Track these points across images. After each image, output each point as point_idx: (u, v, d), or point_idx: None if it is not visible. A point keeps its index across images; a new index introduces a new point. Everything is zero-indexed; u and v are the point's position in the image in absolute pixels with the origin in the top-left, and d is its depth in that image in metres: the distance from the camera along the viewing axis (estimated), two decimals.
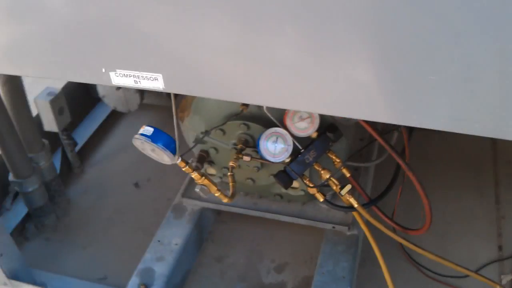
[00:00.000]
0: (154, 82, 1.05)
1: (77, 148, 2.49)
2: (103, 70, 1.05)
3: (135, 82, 1.06)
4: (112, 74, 1.06)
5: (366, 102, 0.94)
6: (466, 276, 1.87)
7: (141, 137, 1.24)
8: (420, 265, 1.96)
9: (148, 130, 1.24)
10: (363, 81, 0.91)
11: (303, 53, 0.92)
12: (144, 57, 1.03)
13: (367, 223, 1.58)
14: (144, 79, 1.05)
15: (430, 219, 1.41)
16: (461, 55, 0.80)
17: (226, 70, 1.01)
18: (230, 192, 1.48)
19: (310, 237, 2.07)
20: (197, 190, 1.43)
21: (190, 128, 1.70)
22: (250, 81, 1.01)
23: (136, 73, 1.05)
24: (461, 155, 2.42)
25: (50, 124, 2.21)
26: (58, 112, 2.18)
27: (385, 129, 1.69)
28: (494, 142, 2.47)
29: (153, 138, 1.23)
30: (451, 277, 1.90)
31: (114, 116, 2.80)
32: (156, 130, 1.25)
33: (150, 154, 1.30)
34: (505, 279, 1.90)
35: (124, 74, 1.06)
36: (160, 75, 1.04)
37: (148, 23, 0.97)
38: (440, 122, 0.89)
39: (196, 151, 1.71)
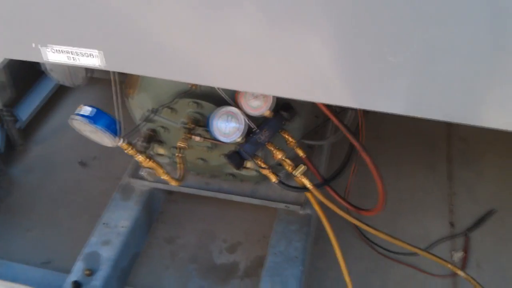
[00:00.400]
0: (92, 59, 0.96)
1: (21, 124, 2.36)
2: (33, 45, 0.96)
3: (69, 58, 0.97)
4: (44, 49, 0.97)
5: (323, 85, 0.89)
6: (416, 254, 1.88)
7: (79, 118, 1.15)
8: (373, 242, 1.95)
9: (86, 110, 1.15)
10: (320, 63, 0.85)
11: (258, 31, 0.86)
12: (81, 31, 0.94)
13: (321, 203, 1.55)
14: (80, 55, 0.96)
15: (383, 201, 1.39)
16: (422, 36, 0.76)
17: (174, 47, 0.93)
18: (178, 174, 1.42)
19: (263, 216, 2.03)
20: (142, 173, 1.35)
21: (137, 106, 1.61)
22: (200, 61, 0.94)
23: (71, 48, 0.96)
24: (415, 131, 2.42)
25: None
26: None
27: (341, 108, 1.65)
28: None
29: (92, 119, 1.15)
30: (403, 254, 1.90)
31: (62, 91, 2.66)
32: (96, 110, 1.16)
33: (89, 136, 1.22)
34: (456, 256, 1.92)
35: (57, 50, 0.96)
36: (99, 51, 0.95)
37: None
38: (399, 106, 0.85)
39: (143, 129, 1.63)
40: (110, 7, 0.88)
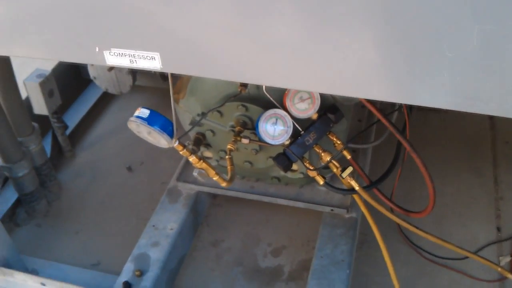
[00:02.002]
0: (152, 62, 1.00)
1: (68, 131, 2.43)
2: (97, 49, 1.00)
3: (131, 61, 1.01)
4: (106, 53, 1.01)
5: (374, 80, 0.89)
6: (465, 258, 1.86)
7: (137, 120, 1.19)
8: (419, 247, 1.94)
9: (144, 112, 1.19)
10: (372, 59, 0.86)
11: (304, 29, 0.88)
12: (141, 35, 0.97)
13: (368, 206, 1.55)
14: (141, 58, 1.00)
15: (433, 202, 1.38)
16: (481, 31, 0.76)
17: (225, 48, 0.96)
18: (228, 176, 1.44)
19: (306, 220, 2.04)
20: (195, 174, 1.39)
21: (185, 110, 1.65)
22: (249, 60, 0.97)
23: (132, 52, 1.00)
24: (460, 135, 2.40)
25: (40, 107, 2.15)
26: (48, 94, 2.12)
27: (384, 109, 1.66)
28: (493, 122, 2.45)
29: (149, 120, 1.18)
30: (450, 259, 1.88)
31: (106, 98, 2.73)
32: (152, 112, 1.20)
33: (146, 137, 1.26)
34: (503, 261, 1.88)
35: (119, 54, 1.00)
36: (158, 54, 0.99)
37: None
38: (455, 102, 0.85)
39: (192, 133, 1.66)
40: (166, 12, 0.92)
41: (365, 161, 2.01)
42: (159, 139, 1.22)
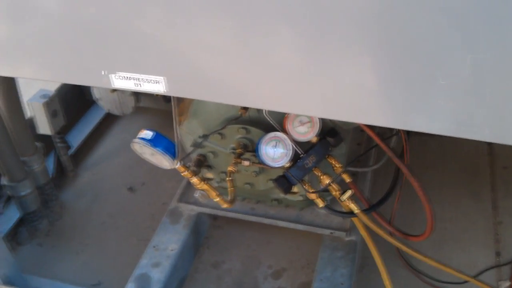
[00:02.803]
0: (156, 85, 1.03)
1: (71, 151, 2.46)
2: (103, 73, 1.03)
3: (136, 85, 1.04)
4: (112, 76, 1.04)
5: (371, 106, 0.92)
6: (465, 282, 1.86)
7: (140, 141, 1.21)
8: (418, 272, 1.94)
9: (147, 134, 1.21)
10: (369, 85, 0.89)
11: (304, 56, 0.91)
12: (146, 59, 1.01)
13: (367, 229, 1.57)
14: (146, 82, 1.03)
15: (432, 226, 1.40)
16: (474, 60, 0.79)
17: (227, 73, 0.99)
18: (229, 197, 1.46)
19: (307, 242, 2.05)
20: (196, 195, 1.41)
21: (188, 132, 1.68)
22: (251, 84, 1.00)
23: (138, 75, 1.03)
24: (458, 160, 2.42)
25: (43, 127, 2.17)
26: (51, 114, 2.15)
27: (382, 134, 1.68)
28: (490, 147, 2.47)
29: (153, 142, 1.21)
30: (450, 283, 1.88)
31: (109, 119, 2.76)
32: (156, 134, 1.22)
33: (148, 159, 1.28)
34: (503, 286, 1.89)
35: (124, 77, 1.03)
36: (162, 78, 1.02)
37: (149, 25, 0.95)
38: (449, 128, 0.88)
39: (193, 155, 1.69)
40: (171, 38, 0.95)
41: (365, 184, 2.03)
42: (162, 161, 1.25)
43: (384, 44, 0.84)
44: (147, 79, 1.02)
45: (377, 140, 1.33)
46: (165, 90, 1.03)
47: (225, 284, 1.94)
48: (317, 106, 1.00)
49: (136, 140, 1.23)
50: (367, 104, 0.93)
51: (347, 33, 0.85)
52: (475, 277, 1.89)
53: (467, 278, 1.65)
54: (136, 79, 1.03)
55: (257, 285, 1.94)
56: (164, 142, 1.22)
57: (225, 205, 1.44)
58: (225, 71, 0.98)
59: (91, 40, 1.01)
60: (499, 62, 0.79)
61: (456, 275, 1.64)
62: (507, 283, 1.88)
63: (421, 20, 0.79)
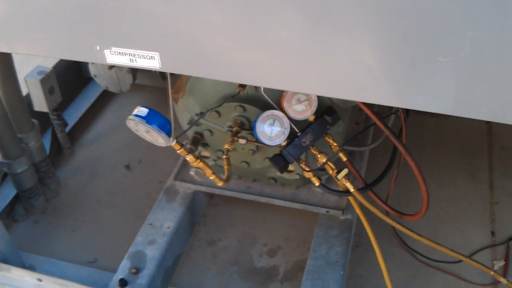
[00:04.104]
0: (151, 61, 1.02)
1: (68, 128, 2.45)
2: (98, 48, 1.02)
3: (131, 60, 1.03)
4: (107, 52, 1.03)
5: (370, 84, 0.91)
6: (459, 261, 1.87)
7: (135, 118, 1.20)
8: (413, 250, 1.95)
9: (142, 111, 1.20)
10: (368, 63, 0.88)
11: (303, 33, 0.90)
12: (141, 34, 0.99)
13: (362, 208, 1.57)
14: (140, 57, 1.02)
15: (427, 205, 1.40)
16: (474, 37, 0.78)
17: (225, 49, 0.97)
18: (225, 176, 1.46)
19: (303, 221, 2.05)
20: (192, 173, 1.40)
21: (184, 110, 1.67)
22: (249, 61, 0.98)
23: (132, 51, 1.01)
24: (456, 140, 2.42)
25: (40, 104, 2.16)
26: (48, 91, 2.13)
27: (381, 113, 1.67)
28: (489, 127, 2.46)
29: (147, 119, 1.20)
30: (444, 262, 1.90)
31: (106, 96, 2.75)
32: (151, 111, 1.21)
33: (144, 136, 1.27)
34: (497, 265, 1.90)
35: (119, 52, 1.02)
36: (157, 53, 1.00)
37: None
38: (447, 106, 0.87)
39: (190, 133, 1.68)
40: (166, 12, 0.93)
41: (362, 163, 2.02)
42: (157, 138, 1.24)
43: (383, 21, 0.82)
44: (141, 55, 1.01)
45: (374, 118, 1.33)
46: (160, 66, 1.01)
47: (220, 262, 1.95)
48: (315, 84, 0.99)
49: (131, 117, 1.22)
50: (365, 82, 0.92)
51: (346, 10, 0.83)
52: (469, 256, 1.90)
53: (461, 258, 1.66)
54: (130, 55, 1.01)
55: (252, 263, 1.95)
56: (159, 119, 1.21)
57: (220, 183, 1.44)
58: (222, 47, 0.97)
59: (86, 15, 1.00)
60: (499, 40, 0.78)
61: (450, 254, 1.65)
62: (502, 263, 1.90)
63: None
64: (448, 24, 0.79)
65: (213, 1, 0.90)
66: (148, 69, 1.03)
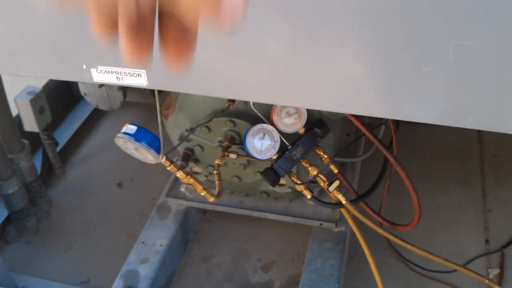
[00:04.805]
0: (138, 79, 1.01)
1: (59, 147, 2.44)
2: (84, 67, 1.02)
3: (118, 78, 1.02)
4: (93, 71, 1.03)
5: (357, 96, 0.92)
6: (454, 270, 1.87)
7: (124, 136, 1.20)
8: (407, 261, 1.95)
9: (131, 128, 1.20)
10: (354, 75, 0.88)
11: (291, 47, 0.90)
12: None
13: (354, 219, 1.57)
14: (127, 75, 1.02)
15: (419, 215, 1.40)
16: (457, 46, 0.78)
17: (211, 65, 0.98)
18: (216, 191, 1.45)
19: (297, 234, 2.05)
20: (182, 189, 1.39)
21: (174, 126, 1.67)
22: (237, 76, 0.99)
23: (119, 69, 1.01)
24: (447, 148, 2.42)
25: (30, 124, 2.15)
26: (38, 111, 2.12)
27: (371, 124, 1.68)
28: (480, 135, 2.47)
29: (136, 136, 1.20)
30: (439, 272, 1.89)
31: (97, 115, 2.74)
32: (139, 128, 1.21)
33: (133, 154, 1.27)
34: (492, 273, 1.90)
35: (106, 71, 1.02)
36: (143, 71, 1.00)
37: None
38: (433, 116, 0.87)
39: (180, 149, 1.68)
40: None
41: (354, 174, 2.02)
42: (146, 155, 1.23)
43: (367, 32, 0.83)
44: (128, 73, 1.01)
45: (363, 130, 1.33)
46: (147, 84, 1.01)
47: (214, 279, 1.94)
48: (302, 97, 0.99)
49: (120, 135, 1.21)
50: (351, 93, 0.92)
51: (331, 22, 0.84)
52: (464, 265, 1.90)
53: (455, 267, 1.66)
54: (117, 73, 1.01)
55: (247, 278, 1.94)
56: (147, 136, 1.21)
57: (211, 199, 1.43)
58: (209, 62, 0.97)
59: (71, 34, 1.00)
60: (483, 49, 0.78)
61: (444, 264, 1.64)
62: (497, 271, 1.89)
63: (403, 4, 0.78)
64: (431, 33, 0.79)
65: None
66: (136, 86, 1.02)
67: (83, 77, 1.03)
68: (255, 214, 1.92)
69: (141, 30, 0.40)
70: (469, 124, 0.87)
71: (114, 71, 1.01)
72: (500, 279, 1.86)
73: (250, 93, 1.02)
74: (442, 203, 2.18)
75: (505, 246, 1.97)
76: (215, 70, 0.98)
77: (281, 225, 2.01)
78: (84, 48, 1.00)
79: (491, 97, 0.83)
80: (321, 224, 1.86)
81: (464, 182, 2.26)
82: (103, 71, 1.02)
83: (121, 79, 1.02)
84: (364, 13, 0.81)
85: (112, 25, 0.40)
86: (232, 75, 0.99)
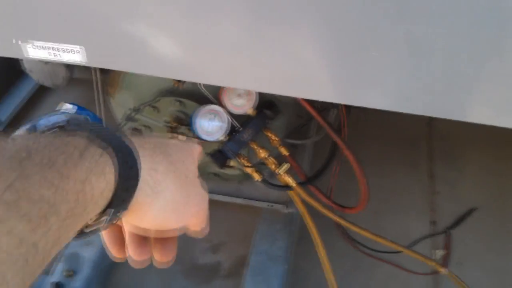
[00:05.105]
0: (75, 55, 0.95)
1: (1, 126, 2.32)
2: (13, 41, 0.94)
3: (53, 55, 0.96)
4: (25, 45, 0.95)
5: (306, 80, 0.88)
6: (401, 252, 1.89)
7: None
8: (356, 241, 1.96)
9: (67, 107, 1.12)
10: (302, 57, 0.85)
11: (240, 28, 0.85)
12: (62, 25, 0.92)
13: (304, 202, 1.55)
14: (64, 52, 0.95)
15: (367, 198, 1.40)
16: (406, 29, 0.76)
17: (157, 43, 0.92)
18: None
19: (246, 215, 2.02)
20: None
21: (119, 104, 1.60)
22: (184, 57, 0.93)
23: (54, 45, 0.94)
24: (397, 131, 2.44)
25: None
26: None
27: (324, 106, 1.66)
28: (430, 119, 2.51)
29: None
30: (386, 252, 1.91)
31: (42, 91, 2.62)
32: (78, 108, 1.14)
33: None
34: (437, 254, 1.93)
35: (39, 46, 0.95)
36: (82, 47, 0.94)
37: None
38: (382, 102, 0.85)
39: (127, 129, 1.61)
40: (93, 3, 0.87)
41: (305, 156, 2.01)
42: None
43: (317, 13, 0.79)
44: (64, 49, 0.94)
45: (313, 113, 1.31)
46: (85, 61, 0.95)
47: None
48: (254, 80, 0.95)
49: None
50: (301, 77, 0.89)
51: (281, 4, 0.80)
52: (410, 246, 1.93)
53: (400, 249, 1.68)
54: (52, 49, 0.95)
55: (195, 260, 1.91)
56: (88, 115, 1.14)
57: None
58: (155, 40, 0.92)
59: (1, 6, 0.92)
60: (434, 34, 0.76)
61: (391, 246, 1.66)
62: (442, 252, 1.93)
63: None
64: (381, 17, 0.77)
65: None
66: (73, 63, 0.96)
67: (14, 52, 0.95)
68: None
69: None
70: (420, 110, 0.85)
71: (48, 47, 0.94)
72: (445, 260, 1.90)
73: (198, 74, 0.98)
74: (390, 186, 2.20)
75: (451, 228, 2.01)
76: (161, 48, 0.93)
77: (231, 206, 1.98)
78: (14, 20, 0.92)
79: (442, 84, 0.81)
80: (270, 205, 1.84)
81: (412, 164, 2.29)
82: (36, 47, 0.95)
83: (57, 55, 0.95)
84: None
85: None
86: (178, 55, 0.93)
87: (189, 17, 0.85)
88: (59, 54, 0.96)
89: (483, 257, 1.93)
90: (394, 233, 2.01)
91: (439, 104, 0.84)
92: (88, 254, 1.69)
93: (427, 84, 0.82)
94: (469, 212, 2.07)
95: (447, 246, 1.95)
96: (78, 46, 0.93)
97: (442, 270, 1.77)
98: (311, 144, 2.08)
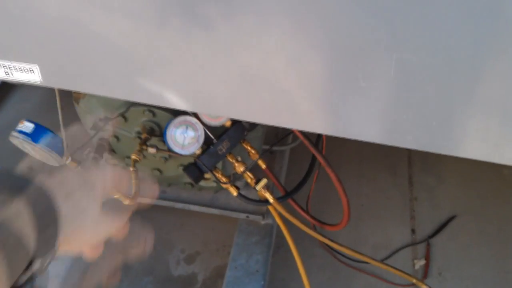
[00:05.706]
0: (30, 75, 0.85)
1: None
2: None
3: (6, 73, 0.86)
4: None
5: (288, 108, 0.81)
6: (382, 260, 1.85)
7: (19, 135, 1.03)
8: (335, 251, 1.91)
9: (27, 126, 1.03)
10: (285, 86, 0.77)
11: (212, 51, 0.77)
12: (16, 42, 0.83)
13: (281, 216, 1.48)
14: (17, 70, 0.85)
15: (348, 217, 1.33)
16: (399, 61, 0.69)
17: (117, 64, 0.82)
18: (132, 192, 1.31)
19: (222, 223, 1.96)
20: None
21: (86, 111, 1.50)
22: (146, 79, 0.84)
23: (7, 63, 0.85)
24: None
25: None
26: None
27: None
28: None
29: (33, 136, 1.03)
30: (365, 262, 1.87)
31: (6, 87, 2.49)
32: (37, 126, 1.04)
33: (33, 154, 1.10)
34: (418, 264, 1.89)
35: None
36: (36, 66, 0.84)
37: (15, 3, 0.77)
38: (369, 134, 0.78)
39: (94, 140, 1.51)
40: (45, 18, 0.78)
41: (283, 163, 1.94)
42: (47, 157, 1.07)
43: (303, 39, 0.71)
44: (18, 67, 0.85)
45: (296, 132, 1.23)
46: (41, 81, 0.85)
47: (134, 272, 1.82)
48: (225, 106, 0.87)
49: (15, 133, 1.04)
50: (283, 106, 0.81)
51: (262, 28, 0.71)
52: (389, 256, 1.89)
53: (380, 265, 1.62)
54: (5, 67, 0.85)
55: (169, 271, 1.83)
56: (48, 135, 1.05)
57: (126, 202, 1.28)
58: (113, 60, 0.82)
59: None
60: (426, 65, 0.69)
61: (370, 262, 1.60)
62: (423, 262, 1.89)
63: (342, 11, 0.67)
64: (371, 45, 0.69)
65: (102, 10, 0.75)
66: (29, 84, 0.86)
67: None
68: (179, 206, 1.80)
69: None
70: (408, 144, 0.78)
71: (2, 65, 0.85)
72: (426, 270, 1.86)
73: (163, 99, 0.88)
74: (369, 191, 2.15)
75: (431, 237, 1.97)
76: (120, 69, 0.83)
77: (206, 215, 1.90)
78: None
79: (432, 117, 0.74)
80: (247, 216, 1.77)
81: (392, 169, 2.25)
82: None
83: (10, 74, 0.86)
84: (299, 16, 0.69)
85: None
86: (142, 77, 0.84)
87: (150, 32, 0.76)
88: (13, 73, 0.86)
89: (462, 266, 1.89)
90: (374, 242, 1.96)
91: (430, 138, 0.77)
92: (55, 268, 1.60)
93: (418, 117, 0.75)
94: (449, 220, 2.03)
95: (427, 256, 1.91)
96: (33, 65, 0.83)
97: (422, 286, 1.73)
98: (288, 150, 2.01)
